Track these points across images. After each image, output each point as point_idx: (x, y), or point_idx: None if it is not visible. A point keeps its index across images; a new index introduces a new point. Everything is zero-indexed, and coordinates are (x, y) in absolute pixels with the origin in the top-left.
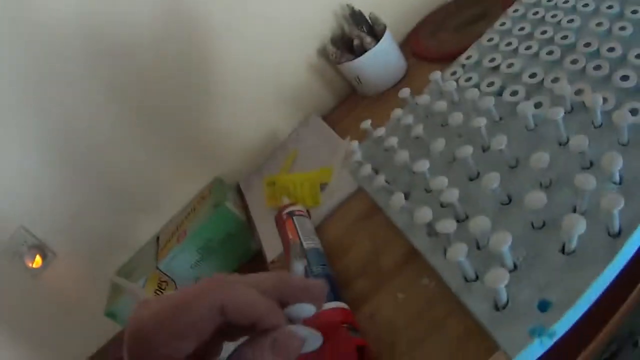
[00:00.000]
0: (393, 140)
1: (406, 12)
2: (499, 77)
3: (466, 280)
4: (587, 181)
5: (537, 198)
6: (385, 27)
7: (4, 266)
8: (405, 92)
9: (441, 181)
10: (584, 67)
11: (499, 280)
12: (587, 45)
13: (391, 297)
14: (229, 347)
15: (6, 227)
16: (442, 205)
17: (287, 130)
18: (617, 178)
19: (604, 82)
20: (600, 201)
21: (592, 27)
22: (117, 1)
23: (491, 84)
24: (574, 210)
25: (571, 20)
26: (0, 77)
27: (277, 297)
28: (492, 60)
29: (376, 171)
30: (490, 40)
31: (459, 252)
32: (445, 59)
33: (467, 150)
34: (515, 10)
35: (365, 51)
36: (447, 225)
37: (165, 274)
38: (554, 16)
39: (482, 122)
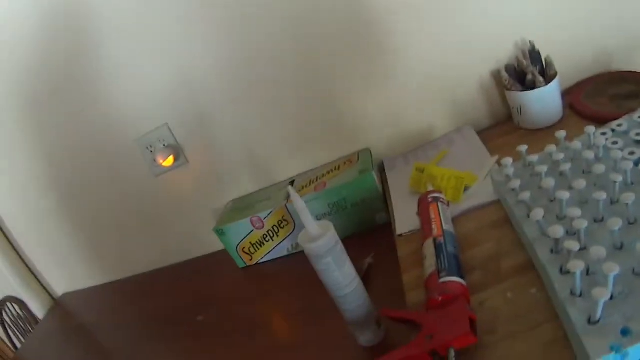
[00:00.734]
0: (542, 169)
1: (575, 67)
2: None
3: (571, 293)
4: None
5: None
6: (556, 74)
7: (137, 156)
8: (561, 133)
9: (576, 211)
10: None
11: (602, 295)
12: None
13: (501, 294)
14: None
15: (153, 120)
16: (567, 233)
17: (441, 131)
18: None
19: None
20: None
21: None
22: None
23: (632, 153)
24: None
25: None
26: None
27: None
28: (638, 134)
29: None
30: None
31: (578, 266)
32: (597, 120)
33: (601, 195)
34: None
35: (535, 88)
36: (573, 245)
37: (290, 214)
38: None
39: (618, 178)
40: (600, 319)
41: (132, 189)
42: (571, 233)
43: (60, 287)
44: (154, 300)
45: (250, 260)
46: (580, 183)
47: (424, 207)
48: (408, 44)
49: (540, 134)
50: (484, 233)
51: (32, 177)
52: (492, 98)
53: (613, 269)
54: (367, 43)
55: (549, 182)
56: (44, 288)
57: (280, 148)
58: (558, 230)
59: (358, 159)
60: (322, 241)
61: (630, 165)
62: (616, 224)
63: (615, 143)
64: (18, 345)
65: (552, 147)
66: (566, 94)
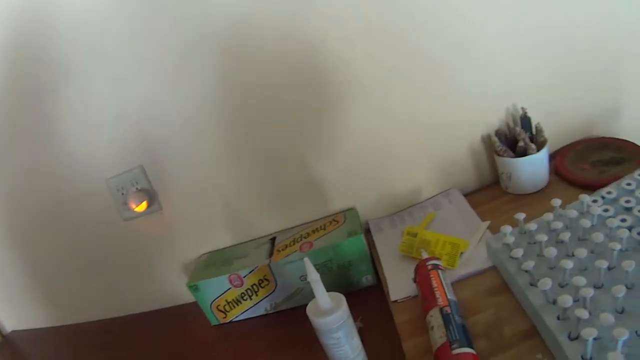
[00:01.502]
0: (542, 237)
1: (561, 133)
2: (631, 216)
3: (582, 359)
4: None
5: None
6: (546, 141)
7: (106, 197)
8: (557, 201)
9: (580, 280)
10: None
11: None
12: None
13: None
14: None
15: (127, 161)
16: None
17: (427, 193)
18: None
19: None
20: None
21: None
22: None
23: (624, 220)
24: None
25: None
26: None
27: None
28: (628, 202)
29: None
30: (628, 185)
31: (591, 334)
32: (582, 186)
33: (603, 264)
34: None
35: (526, 154)
36: (582, 313)
37: (272, 273)
38: None
39: (617, 246)
40: None
41: (98, 231)
42: (575, 299)
43: (9, 324)
44: (111, 351)
45: (225, 318)
46: (582, 252)
47: (423, 274)
48: (395, 103)
49: (528, 199)
50: (482, 300)
51: None
52: (481, 162)
53: (623, 334)
54: (352, 104)
55: (552, 252)
56: None
57: (259, 203)
58: (567, 300)
59: (345, 219)
60: (335, 316)
61: (626, 233)
62: (620, 290)
63: (606, 210)
64: None
65: (549, 215)
66: (550, 159)
